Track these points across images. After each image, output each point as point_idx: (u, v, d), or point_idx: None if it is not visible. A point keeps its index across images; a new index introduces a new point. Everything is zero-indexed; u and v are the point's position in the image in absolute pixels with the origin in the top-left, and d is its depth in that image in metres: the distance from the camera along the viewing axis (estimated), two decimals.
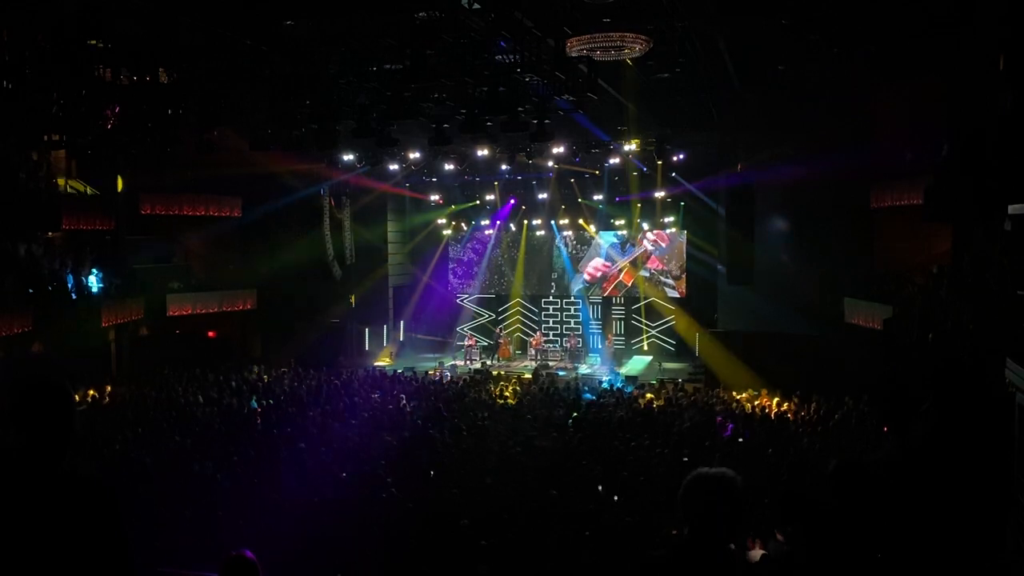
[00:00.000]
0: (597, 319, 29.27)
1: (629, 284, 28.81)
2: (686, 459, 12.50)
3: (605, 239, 29.18)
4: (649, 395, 20.26)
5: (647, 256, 28.58)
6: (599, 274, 29.25)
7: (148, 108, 16.84)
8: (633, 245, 28.81)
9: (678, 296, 28.02)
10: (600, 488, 11.27)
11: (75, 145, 19.27)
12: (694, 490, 3.18)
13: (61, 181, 21.63)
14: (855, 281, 21.08)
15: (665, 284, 28.40)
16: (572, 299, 29.65)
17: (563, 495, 10.67)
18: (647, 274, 28.60)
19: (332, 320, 26.93)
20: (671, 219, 27.71)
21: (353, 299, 27.23)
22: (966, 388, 4.12)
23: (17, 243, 20.20)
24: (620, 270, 28.93)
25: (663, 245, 28.32)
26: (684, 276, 27.98)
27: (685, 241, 27.74)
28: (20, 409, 2.95)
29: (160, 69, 15.62)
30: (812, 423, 16.60)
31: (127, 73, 15.31)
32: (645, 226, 28.07)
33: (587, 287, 29.38)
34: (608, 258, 29.16)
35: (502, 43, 14.34)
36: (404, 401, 18.56)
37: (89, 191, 22.48)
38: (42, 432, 2.95)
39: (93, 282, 21.42)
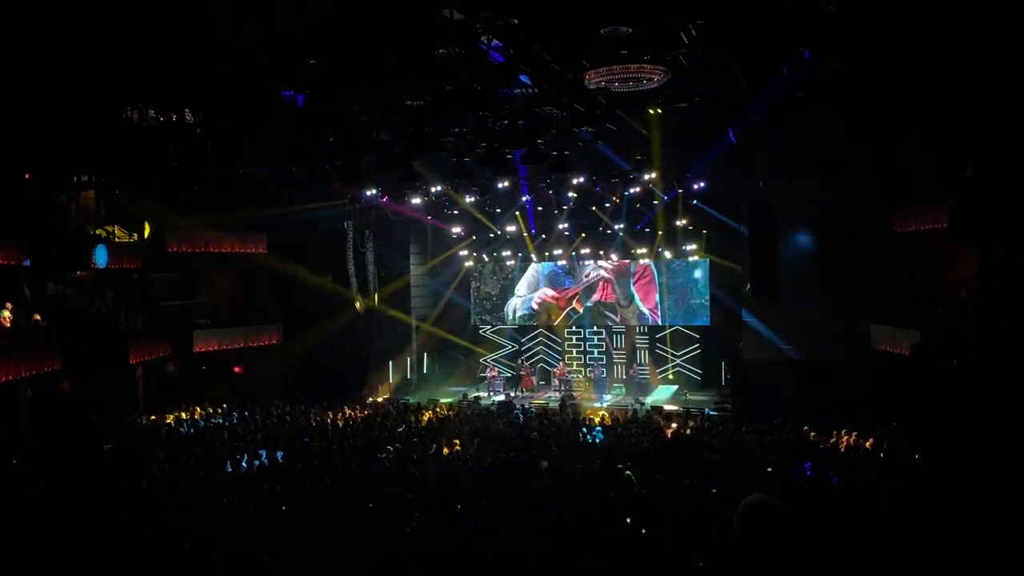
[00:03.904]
0: (620, 348, 29.15)
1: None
2: (714, 490, 12.36)
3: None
4: (674, 424, 20.04)
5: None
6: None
7: (175, 148, 17.16)
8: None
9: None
10: (628, 520, 11.15)
11: (104, 186, 19.63)
12: (753, 523, 2.98)
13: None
14: (882, 306, 20.86)
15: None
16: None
17: (591, 526, 10.55)
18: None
19: (357, 353, 26.99)
20: (693, 246, 27.57)
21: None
22: (970, 405, 4.03)
23: (47, 283, 20.51)
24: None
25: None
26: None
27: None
28: (48, 453, 3.02)
29: (186, 109, 15.96)
30: (842, 453, 16.37)
31: (154, 115, 15.66)
32: (644, 251, 28.00)
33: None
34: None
35: (523, 77, 14.49)
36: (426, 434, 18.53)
37: (118, 233, 22.78)
38: (67, 476, 3.00)
39: (120, 319, 21.66)
